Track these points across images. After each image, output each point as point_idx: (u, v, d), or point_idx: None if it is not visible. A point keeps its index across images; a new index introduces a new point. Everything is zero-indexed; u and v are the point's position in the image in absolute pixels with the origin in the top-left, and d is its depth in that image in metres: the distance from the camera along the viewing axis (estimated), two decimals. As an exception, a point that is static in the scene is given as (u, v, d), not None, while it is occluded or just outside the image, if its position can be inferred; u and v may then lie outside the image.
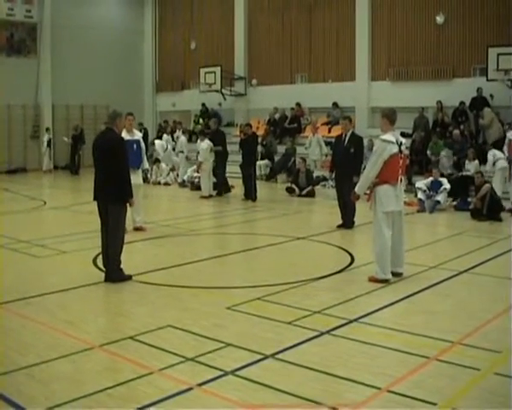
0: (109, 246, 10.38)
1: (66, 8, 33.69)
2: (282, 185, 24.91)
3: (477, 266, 11.47)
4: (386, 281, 10.27)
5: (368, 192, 10.85)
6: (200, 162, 21.77)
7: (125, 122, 14.99)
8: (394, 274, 10.48)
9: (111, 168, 10.33)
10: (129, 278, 10.45)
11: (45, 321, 8.40)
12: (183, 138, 27.28)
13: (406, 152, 10.73)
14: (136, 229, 15.09)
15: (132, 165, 14.71)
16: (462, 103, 24.94)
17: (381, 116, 10.78)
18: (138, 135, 15.49)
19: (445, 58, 26.39)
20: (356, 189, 10.87)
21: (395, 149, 10.29)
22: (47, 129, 32.59)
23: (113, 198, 10.35)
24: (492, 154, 20.04)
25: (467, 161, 21.48)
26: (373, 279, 10.33)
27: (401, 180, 10.58)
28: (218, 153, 21.93)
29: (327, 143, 26.33)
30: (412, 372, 6.56)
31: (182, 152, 26.69)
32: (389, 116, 10.56)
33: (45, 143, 32.16)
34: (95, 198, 10.60)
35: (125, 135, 14.64)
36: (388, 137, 10.36)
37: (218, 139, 22.16)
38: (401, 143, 10.47)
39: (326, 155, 26.05)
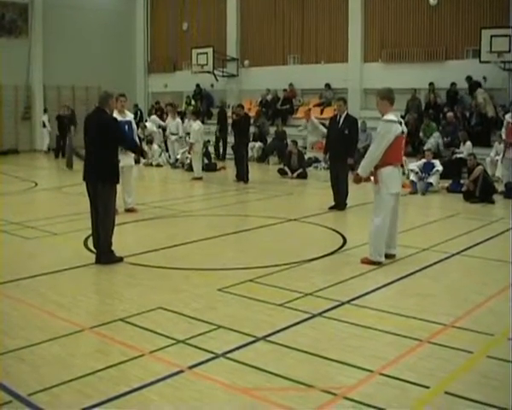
0: (100, 227, 10.31)
1: (57, -12, 33.49)
2: (273, 167, 24.85)
3: (469, 249, 11.45)
4: (379, 263, 10.23)
5: (370, 175, 10.65)
6: (192, 143, 21.69)
7: (116, 103, 14.94)
8: (387, 256, 10.45)
9: (103, 148, 10.24)
10: (120, 259, 10.39)
11: (35, 303, 8.35)
12: (178, 120, 27.14)
13: (405, 131, 10.56)
14: (128, 210, 15.03)
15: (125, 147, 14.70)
16: (453, 84, 24.89)
17: (379, 98, 10.45)
18: (130, 116, 15.38)
19: (437, 40, 26.33)
20: (359, 170, 10.52)
21: (399, 129, 10.16)
22: (45, 110, 32.55)
23: (104, 178, 10.25)
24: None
25: (461, 144, 21.47)
26: (366, 261, 10.28)
27: (403, 161, 10.47)
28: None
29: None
30: (404, 355, 6.54)
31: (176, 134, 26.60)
32: (389, 97, 10.33)
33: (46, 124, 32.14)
34: (84, 178, 10.49)
35: (116, 116, 14.57)
36: (391, 117, 10.17)
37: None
38: (401, 123, 10.34)
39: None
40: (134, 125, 15.37)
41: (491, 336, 7.07)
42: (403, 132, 10.31)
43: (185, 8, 35.41)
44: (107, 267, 10.16)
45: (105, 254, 10.28)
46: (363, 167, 10.44)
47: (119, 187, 10.86)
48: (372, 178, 10.64)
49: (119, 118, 14.50)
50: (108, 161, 10.31)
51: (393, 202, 10.35)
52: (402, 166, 10.89)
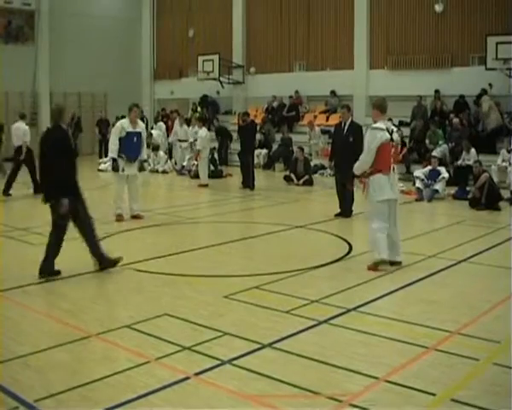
0: (92, 234, 10.26)
1: (63, -5, 33.62)
2: (279, 174, 24.86)
3: (475, 256, 11.45)
4: (383, 262, 10.35)
5: (361, 180, 10.90)
6: (199, 150, 21.75)
7: (131, 114, 14.97)
8: (393, 263, 10.49)
9: (63, 164, 9.81)
10: (58, 273, 10.08)
11: (42, 310, 8.39)
12: (185, 128, 27.23)
13: (398, 140, 10.92)
14: (134, 217, 15.05)
15: (129, 157, 14.74)
16: (461, 96, 24.85)
17: (372, 107, 10.96)
18: (141, 127, 15.29)
19: (443, 47, 26.31)
20: (354, 169, 10.93)
21: (386, 136, 10.38)
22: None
23: (63, 195, 9.86)
24: None
25: (464, 153, 21.45)
26: (371, 268, 10.34)
27: (393, 169, 10.62)
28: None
29: (325, 132, 26.35)
30: (410, 362, 6.54)
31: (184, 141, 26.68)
32: (380, 106, 10.70)
33: None
34: (49, 198, 10.06)
35: (127, 126, 14.68)
36: (379, 125, 10.47)
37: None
38: (392, 132, 10.58)
39: (328, 143, 26.07)
40: (144, 135, 15.40)
41: (498, 344, 7.06)
42: (392, 140, 10.54)
43: (191, 15, 35.47)
44: (113, 274, 10.18)
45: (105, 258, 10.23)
46: (356, 168, 10.84)
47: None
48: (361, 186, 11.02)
49: (130, 129, 14.63)
50: (67, 177, 9.92)
51: (387, 208, 10.49)
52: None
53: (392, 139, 10.50)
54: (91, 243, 10.29)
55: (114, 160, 14.85)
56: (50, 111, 10.54)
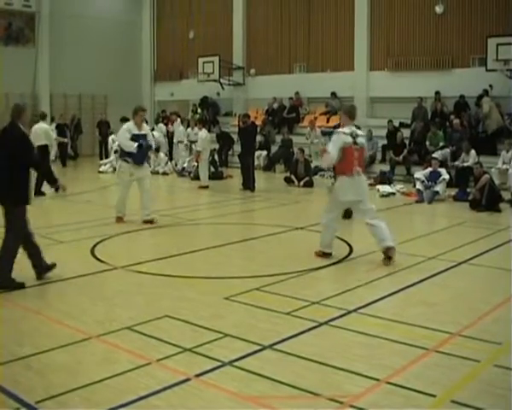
0: (2, 250, 9.58)
1: (64, -3, 33.66)
2: (280, 175, 24.87)
3: (476, 257, 11.45)
4: (329, 254, 11.37)
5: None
6: (199, 152, 21.76)
7: (136, 117, 14.88)
8: (386, 250, 10.84)
9: (15, 165, 9.46)
10: (21, 286, 9.57)
11: (43, 311, 8.37)
12: (181, 128, 27.29)
13: (362, 143, 11.44)
14: (146, 222, 14.69)
15: (136, 161, 14.60)
16: (461, 96, 24.86)
17: (341, 113, 12.13)
18: (146, 129, 15.29)
19: (444, 48, 26.33)
20: (321, 162, 12.11)
21: (348, 139, 11.00)
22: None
23: (15, 198, 9.54)
24: None
25: (463, 154, 21.43)
26: (319, 254, 11.41)
27: (358, 172, 11.14)
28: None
29: (325, 134, 26.34)
30: (411, 364, 6.53)
31: (181, 142, 26.71)
32: (349, 112, 11.50)
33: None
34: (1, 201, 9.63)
35: (132, 128, 14.60)
36: (344, 130, 11.18)
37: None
38: (356, 136, 11.20)
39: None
40: (150, 138, 15.15)
41: (498, 345, 7.06)
42: (356, 144, 11.15)
43: (191, 17, 35.52)
44: (114, 275, 10.20)
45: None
46: (323, 160, 11.78)
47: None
48: None
49: (136, 131, 14.56)
50: (20, 180, 9.55)
51: (344, 207, 12.00)
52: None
53: (356, 143, 11.14)
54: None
55: (140, 145, 14.55)
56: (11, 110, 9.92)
